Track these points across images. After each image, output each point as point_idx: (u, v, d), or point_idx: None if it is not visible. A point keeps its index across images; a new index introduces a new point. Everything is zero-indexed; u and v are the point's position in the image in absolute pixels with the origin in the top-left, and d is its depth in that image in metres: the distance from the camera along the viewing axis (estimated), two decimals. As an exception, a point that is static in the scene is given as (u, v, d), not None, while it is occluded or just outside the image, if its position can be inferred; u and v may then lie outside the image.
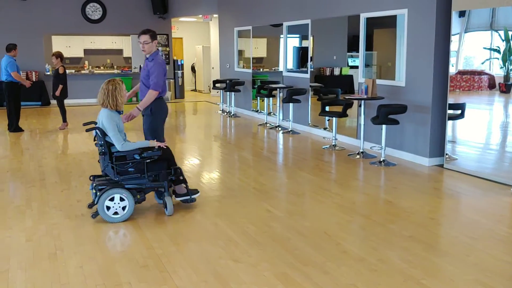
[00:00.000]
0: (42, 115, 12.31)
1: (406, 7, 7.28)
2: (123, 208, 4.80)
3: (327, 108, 8.28)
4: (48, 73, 14.79)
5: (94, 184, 4.95)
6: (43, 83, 14.68)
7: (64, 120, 10.51)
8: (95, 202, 4.78)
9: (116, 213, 4.78)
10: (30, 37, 14.39)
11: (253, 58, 12.38)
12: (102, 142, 4.83)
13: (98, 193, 4.79)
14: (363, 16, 8.21)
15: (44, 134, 9.89)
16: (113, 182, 4.85)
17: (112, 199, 4.75)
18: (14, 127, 10.15)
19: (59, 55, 10.30)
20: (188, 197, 5.24)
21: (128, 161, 4.87)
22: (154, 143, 5.02)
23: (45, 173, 6.73)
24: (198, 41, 19.47)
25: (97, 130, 4.86)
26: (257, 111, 12.27)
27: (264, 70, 12.52)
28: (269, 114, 11.16)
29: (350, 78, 9.44)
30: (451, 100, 6.86)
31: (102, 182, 4.93)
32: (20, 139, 9.35)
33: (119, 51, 17.89)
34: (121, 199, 4.78)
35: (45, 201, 5.48)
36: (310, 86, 9.85)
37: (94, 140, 5.08)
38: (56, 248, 4.16)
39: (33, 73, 14.63)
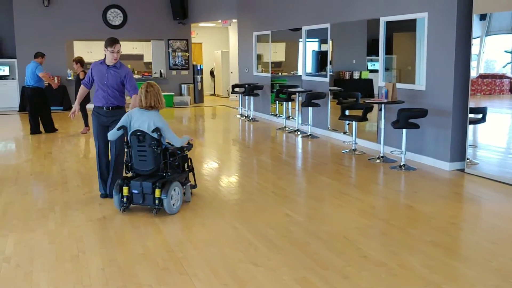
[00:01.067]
0: (64, 120, 12.49)
1: (427, 11, 7.23)
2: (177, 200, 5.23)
3: (347, 112, 8.25)
4: (70, 78, 15.01)
5: (129, 185, 5.12)
6: (65, 88, 14.89)
7: (86, 124, 10.67)
8: (157, 201, 5.04)
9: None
10: (53, 42, 14.62)
11: (271, 62, 12.41)
12: (155, 142, 5.11)
13: (161, 189, 5.00)
14: (383, 20, 8.18)
15: (66, 138, 10.04)
16: (160, 177, 5.15)
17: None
18: (50, 128, 10.64)
19: (79, 61, 10.50)
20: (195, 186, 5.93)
21: (175, 156, 5.36)
22: (186, 138, 5.59)
23: (67, 176, 6.83)
24: (217, 46, 19.58)
25: (156, 132, 5.15)
26: (275, 115, 12.28)
27: (283, 74, 12.53)
28: (288, 118, 11.17)
29: (369, 82, 9.40)
30: (472, 104, 6.79)
31: (145, 180, 5.13)
32: (43, 143, 9.50)
33: (140, 57, 18.08)
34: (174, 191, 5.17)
35: (68, 204, 5.57)
36: (330, 90, 9.84)
37: (128, 143, 5.22)
38: (78, 250, 4.22)
39: (55, 78, 14.85)
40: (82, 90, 6.08)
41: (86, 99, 10.59)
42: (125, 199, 5.13)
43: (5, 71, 14.82)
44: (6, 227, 4.82)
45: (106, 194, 5.74)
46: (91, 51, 17.04)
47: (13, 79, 14.79)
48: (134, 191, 5.13)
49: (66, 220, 5.00)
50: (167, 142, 5.41)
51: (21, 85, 14.21)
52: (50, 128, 10.69)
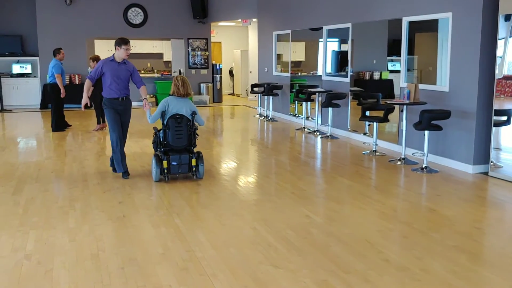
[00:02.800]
0: (83, 117, 12.59)
1: (451, 11, 7.12)
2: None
3: (367, 113, 8.16)
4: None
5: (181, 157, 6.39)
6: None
7: (98, 122, 10.74)
8: (193, 168, 6.43)
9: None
10: (74, 41, 14.75)
11: (291, 62, 12.35)
12: (190, 122, 6.39)
13: (197, 159, 6.43)
14: (406, 20, 8.07)
15: (85, 136, 10.12)
16: (189, 151, 6.47)
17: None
18: (61, 125, 10.63)
19: (95, 59, 10.59)
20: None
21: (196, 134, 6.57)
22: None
23: (87, 174, 6.86)
24: (237, 45, 19.57)
25: (192, 115, 6.41)
26: (295, 115, 12.22)
27: (302, 74, 12.47)
28: (307, 118, 11.10)
29: (390, 82, 9.29)
30: (496, 106, 6.66)
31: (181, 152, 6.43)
32: (63, 141, 9.58)
33: (160, 55, 18.17)
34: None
35: (88, 202, 5.59)
36: (350, 90, 9.75)
37: (166, 125, 6.32)
38: (98, 249, 4.23)
39: (76, 76, 14.99)
40: (88, 83, 6.85)
41: (101, 98, 10.66)
42: (165, 171, 6.29)
43: (28, 69, 14.99)
44: (27, 224, 4.85)
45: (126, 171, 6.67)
46: (111, 49, 17.18)
47: (35, 77, 14.95)
48: (173, 163, 6.32)
49: (86, 218, 5.02)
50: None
51: (43, 83, 14.37)
52: (56, 127, 10.62)
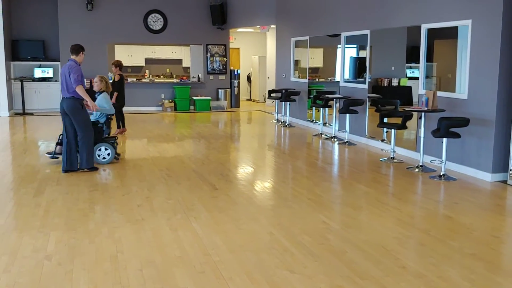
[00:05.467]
0: (104, 122, 12.74)
1: (470, 18, 7.09)
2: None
3: (385, 120, 8.15)
4: (111, 80, 15.29)
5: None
6: (105, 90, 15.20)
7: (118, 126, 10.88)
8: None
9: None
10: (95, 46, 14.95)
11: (309, 68, 12.38)
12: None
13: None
14: (425, 27, 8.05)
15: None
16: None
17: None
18: None
19: (117, 64, 10.77)
20: None
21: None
22: None
23: (107, 177, 6.96)
24: (255, 51, 19.67)
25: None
26: (312, 121, 12.23)
27: (320, 80, 12.48)
28: (324, 124, 11.10)
29: (408, 89, 9.26)
30: (516, 114, 6.60)
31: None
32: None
33: (178, 61, 18.35)
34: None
35: (107, 204, 5.68)
36: (368, 97, 9.74)
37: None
38: (117, 251, 4.29)
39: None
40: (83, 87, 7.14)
41: (122, 102, 10.83)
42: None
43: (49, 73, 15.26)
44: (48, 225, 4.95)
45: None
46: (132, 55, 17.42)
47: (56, 81, 15.19)
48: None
49: (105, 220, 5.10)
50: None
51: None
52: None
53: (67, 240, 4.55)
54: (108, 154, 7.75)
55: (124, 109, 11.09)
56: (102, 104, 7.89)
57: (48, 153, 7.98)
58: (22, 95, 14.59)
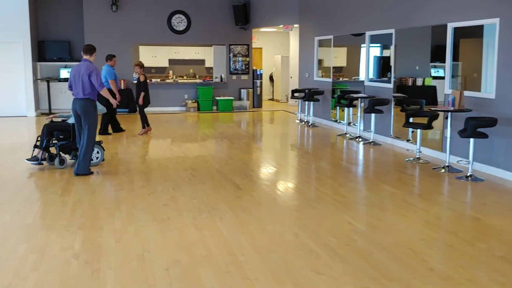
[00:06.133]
0: (129, 122, 12.88)
1: (498, 17, 6.96)
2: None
3: (411, 120, 8.05)
4: (135, 81, 15.45)
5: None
6: (130, 91, 15.29)
7: (143, 126, 10.97)
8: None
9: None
10: (120, 47, 15.11)
11: (332, 67, 12.31)
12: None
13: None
14: (451, 26, 7.93)
15: (131, 140, 10.35)
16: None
17: None
18: (103, 130, 10.85)
19: (141, 65, 10.88)
20: None
21: None
22: None
23: (133, 177, 7.03)
24: (277, 50, 19.63)
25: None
26: (336, 121, 12.16)
27: (344, 79, 12.40)
28: (349, 124, 11.02)
29: (433, 89, 9.14)
30: (547, 113, 6.46)
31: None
32: (109, 145, 9.82)
33: (201, 61, 18.43)
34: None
35: (133, 204, 5.73)
36: (393, 96, 9.64)
37: None
38: (143, 250, 4.33)
39: (122, 81, 15.35)
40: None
41: (146, 102, 10.92)
42: None
43: (75, 74, 15.44)
44: (75, 224, 5.01)
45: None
46: (156, 55, 17.56)
47: (81, 81, 15.35)
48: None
49: (132, 220, 5.14)
50: None
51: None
52: (103, 131, 10.92)
53: (94, 239, 4.60)
54: (97, 158, 7.68)
55: (148, 109, 11.16)
56: None
57: (28, 159, 7.48)
58: (48, 95, 14.83)
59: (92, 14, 15.13)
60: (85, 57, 7.18)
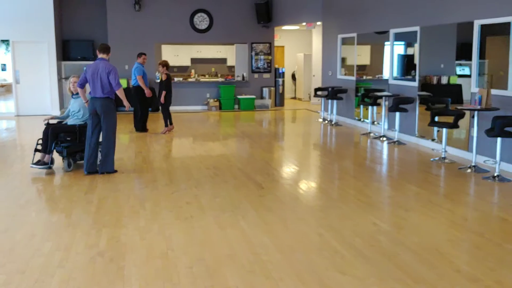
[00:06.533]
0: (152, 120, 12.94)
1: (528, 13, 6.80)
2: None
3: (436, 118, 7.93)
4: (158, 80, 15.56)
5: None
6: (153, 90, 15.44)
7: (166, 124, 11.05)
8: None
9: None
10: (142, 45, 15.20)
11: (356, 65, 12.19)
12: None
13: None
14: (477, 23, 7.78)
15: (154, 138, 10.41)
16: None
17: None
18: (140, 127, 11.10)
19: (164, 64, 10.97)
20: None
21: None
22: None
23: (157, 175, 7.06)
24: (300, 49, 19.55)
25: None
26: (359, 119, 12.05)
27: (367, 77, 12.28)
28: (373, 123, 10.90)
29: (458, 87, 8.99)
30: None
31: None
32: (133, 143, 9.91)
33: (223, 60, 18.46)
34: None
35: (157, 202, 5.75)
36: (418, 95, 9.51)
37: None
38: (167, 248, 4.34)
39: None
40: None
41: (169, 101, 10.99)
42: None
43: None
44: (100, 222, 5.05)
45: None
46: (178, 54, 17.65)
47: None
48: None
49: (155, 218, 5.17)
50: None
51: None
52: (142, 127, 11.17)
53: (119, 237, 4.63)
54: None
55: (170, 108, 11.23)
56: (84, 106, 7.35)
57: (34, 164, 7.12)
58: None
59: (115, 13, 15.27)
60: (101, 55, 7.19)
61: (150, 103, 11.75)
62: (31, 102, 14.51)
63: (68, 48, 15.44)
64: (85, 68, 7.24)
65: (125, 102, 7.36)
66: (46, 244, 4.45)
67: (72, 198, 5.97)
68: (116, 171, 7.19)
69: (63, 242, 4.50)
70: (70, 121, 7.45)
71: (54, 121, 7.68)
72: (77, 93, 7.37)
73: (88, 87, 7.14)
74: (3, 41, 14.94)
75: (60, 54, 15.09)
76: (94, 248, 4.36)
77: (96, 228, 4.85)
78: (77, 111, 7.40)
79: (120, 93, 7.10)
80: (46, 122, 7.57)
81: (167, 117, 11.06)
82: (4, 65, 15.74)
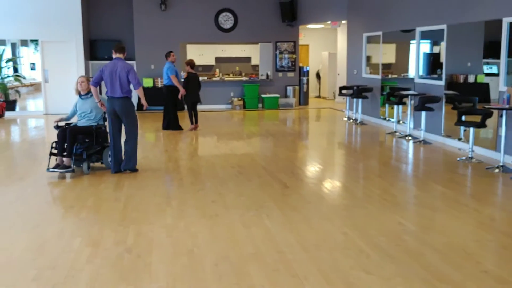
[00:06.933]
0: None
1: (559, 10, 6.67)
2: None
3: (463, 118, 7.83)
4: (183, 79, 15.68)
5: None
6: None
7: (191, 122, 11.16)
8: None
9: None
10: (168, 45, 15.33)
11: (381, 64, 12.10)
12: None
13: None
14: (506, 21, 7.66)
15: (179, 137, 10.51)
16: None
17: None
18: (174, 126, 11.23)
19: (188, 63, 11.17)
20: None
21: None
22: None
23: (182, 173, 7.14)
24: (324, 47, 19.48)
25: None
26: (385, 118, 11.96)
27: (392, 76, 12.17)
28: (398, 122, 10.81)
29: (485, 86, 8.85)
30: None
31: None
32: (159, 141, 10.03)
33: (248, 59, 18.49)
34: None
35: (183, 200, 5.82)
36: (445, 93, 9.39)
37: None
38: (193, 245, 4.39)
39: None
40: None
41: (187, 99, 11.09)
42: None
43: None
44: (127, 219, 5.14)
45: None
46: (203, 54, 17.76)
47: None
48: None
49: (182, 215, 5.23)
50: None
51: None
52: (175, 126, 11.26)
53: (146, 233, 4.70)
54: (110, 160, 7.24)
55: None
56: (96, 106, 7.29)
57: (53, 168, 6.90)
58: (100, 93, 15.22)
59: (141, 13, 15.44)
60: (117, 55, 7.21)
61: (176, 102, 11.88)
62: (60, 100, 14.75)
63: (95, 48, 15.68)
64: (101, 68, 7.19)
65: (144, 101, 7.34)
66: (75, 240, 4.55)
67: (101, 195, 6.08)
68: (137, 170, 7.23)
69: (91, 239, 4.60)
70: (81, 122, 7.25)
71: (62, 123, 7.38)
72: (86, 94, 7.31)
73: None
74: (32, 41, 15.23)
75: (88, 53, 15.33)
76: (122, 244, 4.44)
77: (124, 225, 4.94)
78: (88, 112, 7.24)
79: (140, 92, 7.14)
80: (56, 124, 7.30)
81: (190, 116, 11.17)
82: (33, 64, 16.06)
